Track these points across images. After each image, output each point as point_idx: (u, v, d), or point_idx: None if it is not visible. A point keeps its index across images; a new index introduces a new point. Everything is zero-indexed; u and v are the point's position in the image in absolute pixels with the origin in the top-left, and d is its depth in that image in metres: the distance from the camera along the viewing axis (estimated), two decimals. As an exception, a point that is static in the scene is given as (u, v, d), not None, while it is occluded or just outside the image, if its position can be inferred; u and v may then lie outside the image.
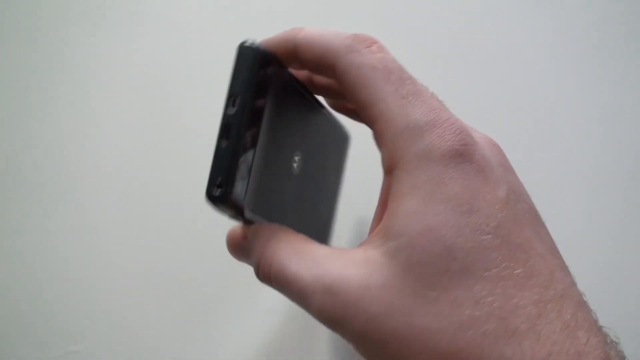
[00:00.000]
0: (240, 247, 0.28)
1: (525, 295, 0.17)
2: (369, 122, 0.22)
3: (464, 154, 0.19)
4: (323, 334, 0.37)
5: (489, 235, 0.18)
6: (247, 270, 0.39)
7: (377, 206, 0.23)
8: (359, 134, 0.33)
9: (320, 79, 0.28)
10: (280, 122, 0.28)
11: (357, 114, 0.26)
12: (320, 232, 0.33)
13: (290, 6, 0.47)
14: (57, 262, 0.42)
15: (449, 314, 0.17)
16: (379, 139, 0.22)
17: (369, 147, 0.25)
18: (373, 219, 0.23)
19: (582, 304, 0.19)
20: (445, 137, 0.20)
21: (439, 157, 0.19)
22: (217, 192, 0.25)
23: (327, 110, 0.32)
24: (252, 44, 0.25)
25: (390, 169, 0.21)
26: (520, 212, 0.20)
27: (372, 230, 0.22)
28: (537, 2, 0.44)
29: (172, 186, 0.43)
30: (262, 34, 0.46)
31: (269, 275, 0.23)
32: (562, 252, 0.22)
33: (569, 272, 0.21)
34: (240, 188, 0.25)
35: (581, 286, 0.21)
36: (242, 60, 0.25)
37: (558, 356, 0.16)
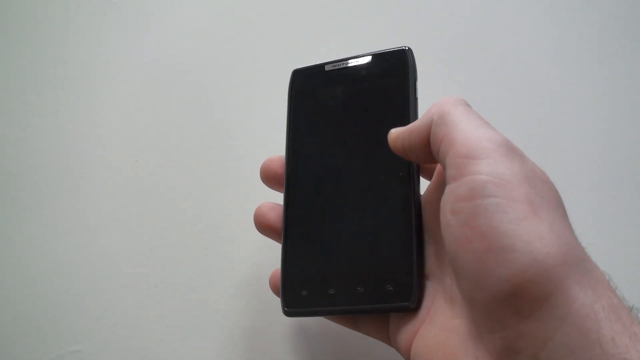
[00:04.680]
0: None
1: None
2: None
3: None
4: (321, 334, 0.37)
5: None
6: (247, 271, 0.39)
7: None
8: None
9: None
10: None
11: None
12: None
13: (298, 5, 0.47)
14: (57, 263, 0.42)
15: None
16: None
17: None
18: None
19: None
20: None
21: None
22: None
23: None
24: None
25: None
26: None
27: None
28: (539, 2, 0.44)
29: (173, 187, 0.43)
30: (266, 29, 0.46)
31: None
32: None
33: None
34: None
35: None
36: None
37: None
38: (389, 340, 0.28)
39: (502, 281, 0.20)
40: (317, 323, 0.37)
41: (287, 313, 0.29)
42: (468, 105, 0.25)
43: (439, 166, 0.28)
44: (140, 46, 0.47)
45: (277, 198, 0.33)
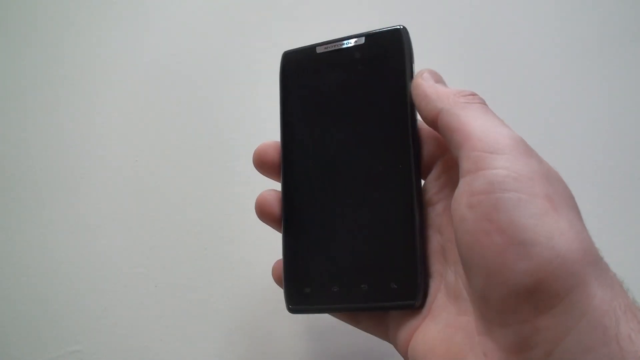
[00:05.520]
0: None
1: None
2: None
3: None
4: (321, 333, 0.37)
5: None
6: (247, 271, 0.39)
7: None
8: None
9: None
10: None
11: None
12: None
13: (299, 4, 0.47)
14: (57, 263, 0.42)
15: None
16: None
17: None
18: None
19: None
20: None
21: None
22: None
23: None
24: None
25: None
26: None
27: None
28: (541, 2, 0.44)
29: (173, 187, 0.43)
30: (266, 29, 0.46)
31: None
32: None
33: None
34: None
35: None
36: None
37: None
38: (388, 336, 0.28)
39: (523, 275, 0.20)
40: (317, 321, 0.37)
41: (291, 310, 0.29)
42: (485, 104, 0.25)
43: (443, 160, 0.28)
44: (141, 46, 0.47)
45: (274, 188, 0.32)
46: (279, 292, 0.31)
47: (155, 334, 0.39)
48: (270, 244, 0.33)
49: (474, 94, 0.25)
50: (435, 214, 0.27)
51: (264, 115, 0.43)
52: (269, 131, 0.43)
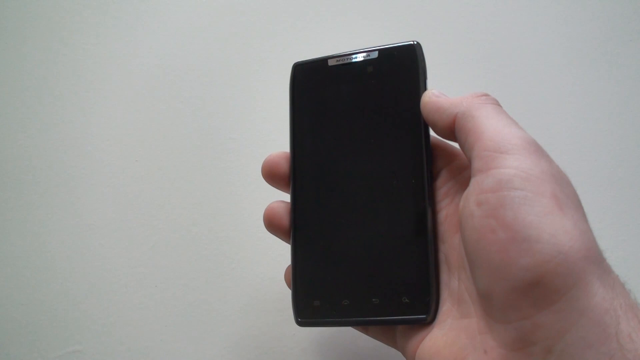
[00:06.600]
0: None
1: None
2: None
3: None
4: (323, 334, 0.37)
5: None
6: (247, 271, 0.40)
7: None
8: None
9: None
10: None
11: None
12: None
13: (295, 4, 0.47)
14: (57, 263, 0.42)
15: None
16: None
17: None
18: None
19: None
20: None
21: None
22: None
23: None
24: None
25: None
26: None
27: None
28: (541, 2, 0.44)
29: (173, 187, 0.43)
30: (266, 27, 0.46)
31: None
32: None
33: None
34: None
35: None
36: None
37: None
38: (395, 343, 0.28)
39: (525, 270, 0.20)
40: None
41: (300, 323, 0.28)
42: (499, 104, 0.26)
43: (446, 170, 0.28)
44: (142, 47, 0.47)
45: (279, 196, 0.32)
46: (279, 292, 0.31)
47: (155, 334, 0.39)
48: (270, 245, 0.33)
49: (486, 95, 0.26)
50: (438, 222, 0.28)
51: (264, 115, 0.44)
52: (269, 131, 0.43)
